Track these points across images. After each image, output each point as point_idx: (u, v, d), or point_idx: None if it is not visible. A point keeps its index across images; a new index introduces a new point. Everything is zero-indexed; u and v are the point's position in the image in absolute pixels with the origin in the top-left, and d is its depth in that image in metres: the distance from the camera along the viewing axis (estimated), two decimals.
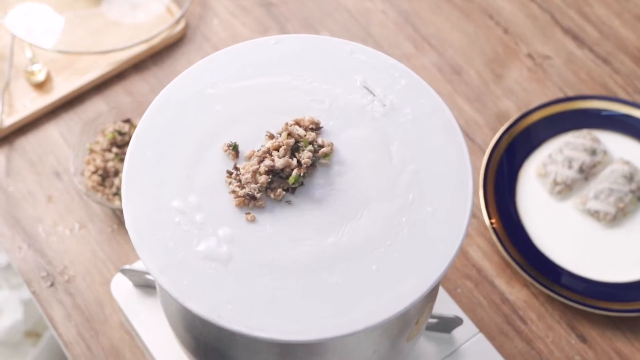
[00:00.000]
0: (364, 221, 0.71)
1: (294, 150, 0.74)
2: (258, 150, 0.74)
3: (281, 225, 0.71)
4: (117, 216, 1.12)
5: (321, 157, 0.74)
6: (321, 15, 1.30)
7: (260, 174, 0.72)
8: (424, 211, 0.72)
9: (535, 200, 1.13)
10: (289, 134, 0.74)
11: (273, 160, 0.73)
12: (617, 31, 1.29)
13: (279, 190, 0.72)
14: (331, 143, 0.74)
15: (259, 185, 0.72)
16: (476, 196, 1.12)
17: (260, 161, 0.73)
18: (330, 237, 0.71)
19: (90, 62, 1.23)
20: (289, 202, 0.72)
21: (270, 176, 0.73)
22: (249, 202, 0.72)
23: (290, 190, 0.73)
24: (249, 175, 0.72)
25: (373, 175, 0.73)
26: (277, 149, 0.74)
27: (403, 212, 0.72)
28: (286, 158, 0.73)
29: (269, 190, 0.73)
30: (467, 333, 1.01)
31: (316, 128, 0.75)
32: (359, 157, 0.74)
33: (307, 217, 0.72)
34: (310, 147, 0.74)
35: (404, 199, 0.72)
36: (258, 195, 0.72)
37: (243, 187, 0.72)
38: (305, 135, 0.74)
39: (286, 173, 0.73)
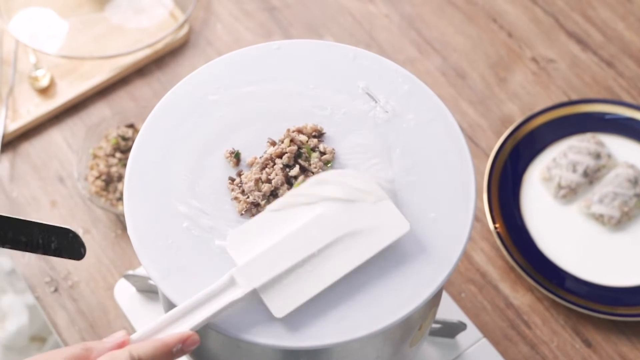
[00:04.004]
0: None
1: (296, 156, 0.74)
2: (260, 157, 0.74)
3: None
4: (121, 221, 1.12)
5: (323, 164, 0.74)
6: (325, 20, 1.30)
7: (263, 182, 0.72)
8: (426, 217, 0.72)
9: (540, 204, 1.12)
10: (291, 141, 0.74)
11: (270, 181, 0.73)
12: (621, 34, 1.29)
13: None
14: (333, 150, 0.74)
15: (262, 193, 0.72)
16: (480, 200, 1.12)
17: (262, 168, 0.73)
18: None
19: (94, 67, 1.23)
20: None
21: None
22: (252, 209, 0.72)
23: None
24: (251, 184, 0.72)
25: (375, 181, 0.73)
26: (279, 156, 0.74)
27: (405, 218, 0.72)
28: (280, 176, 0.73)
29: (271, 197, 0.72)
30: (471, 338, 1.00)
31: (318, 135, 0.75)
32: (361, 163, 0.74)
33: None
34: (315, 154, 0.74)
35: (407, 204, 0.72)
36: (262, 203, 0.72)
37: (246, 194, 0.72)
38: (307, 142, 0.74)
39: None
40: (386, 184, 0.73)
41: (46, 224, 0.71)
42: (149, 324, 0.66)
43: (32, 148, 1.18)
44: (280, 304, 0.67)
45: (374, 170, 0.74)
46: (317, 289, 0.67)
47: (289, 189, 0.72)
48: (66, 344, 1.04)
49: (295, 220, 0.69)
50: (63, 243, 0.72)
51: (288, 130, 0.75)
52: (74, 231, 0.72)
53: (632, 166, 1.13)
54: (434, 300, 0.81)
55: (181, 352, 0.65)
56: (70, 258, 0.73)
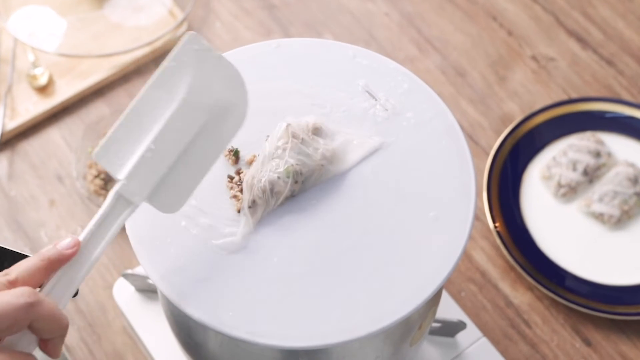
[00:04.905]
0: (366, 226, 0.71)
1: (297, 150, 0.74)
2: (259, 155, 0.74)
3: (282, 230, 0.71)
4: None
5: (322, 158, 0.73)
6: (324, 18, 1.30)
7: (261, 181, 0.72)
8: (426, 216, 0.71)
9: (540, 203, 1.12)
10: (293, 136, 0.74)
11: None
12: (621, 32, 1.28)
13: (281, 195, 0.72)
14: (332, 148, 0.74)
15: (260, 190, 0.72)
16: (480, 199, 1.12)
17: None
18: (332, 242, 0.70)
19: (93, 66, 1.23)
20: (290, 207, 0.72)
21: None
22: (251, 207, 0.71)
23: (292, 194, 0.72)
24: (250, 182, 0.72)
25: (374, 180, 0.73)
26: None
27: (405, 217, 0.71)
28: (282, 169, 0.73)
29: (271, 195, 0.72)
30: (471, 337, 1.00)
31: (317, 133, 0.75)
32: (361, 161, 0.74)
33: (308, 222, 0.71)
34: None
35: (406, 203, 0.72)
36: (260, 202, 0.71)
37: (244, 192, 0.72)
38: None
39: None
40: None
41: None
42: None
43: (30, 147, 1.18)
44: (170, 203, 0.67)
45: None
46: (200, 178, 0.67)
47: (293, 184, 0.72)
48: (65, 344, 1.04)
49: (157, 114, 0.67)
50: None
51: (287, 124, 0.74)
52: None
53: (632, 165, 1.12)
54: (434, 300, 0.81)
55: (60, 257, 0.63)
56: None
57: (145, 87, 0.67)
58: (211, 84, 0.68)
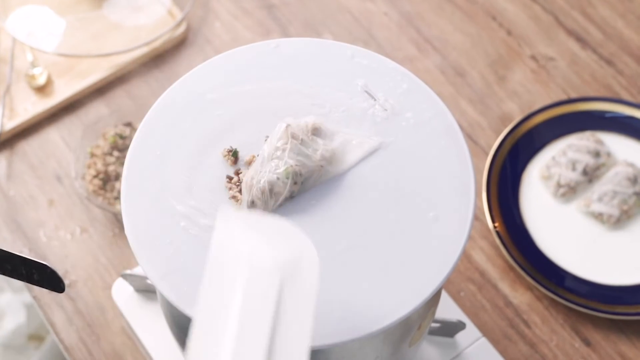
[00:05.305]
0: (366, 226, 0.71)
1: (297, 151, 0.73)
2: (258, 155, 0.73)
3: None
4: (119, 220, 1.11)
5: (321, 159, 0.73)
6: (323, 18, 1.29)
7: (260, 182, 0.72)
8: (426, 216, 0.71)
9: (539, 203, 1.12)
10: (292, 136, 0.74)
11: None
12: (620, 32, 1.28)
13: (280, 196, 0.72)
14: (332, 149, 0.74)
15: (259, 191, 0.71)
16: (479, 199, 1.12)
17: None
18: (331, 243, 0.70)
19: (92, 65, 1.22)
20: (290, 208, 0.72)
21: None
22: (250, 208, 0.71)
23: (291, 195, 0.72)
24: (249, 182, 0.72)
25: (374, 181, 0.73)
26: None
27: (405, 218, 0.71)
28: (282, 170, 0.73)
29: (270, 196, 0.72)
30: (471, 337, 1.00)
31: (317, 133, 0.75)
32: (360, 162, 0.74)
33: (307, 223, 0.71)
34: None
35: (406, 204, 0.72)
36: (259, 203, 0.71)
37: (243, 193, 0.72)
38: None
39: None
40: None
41: (26, 257, 0.74)
42: None
43: (29, 147, 1.18)
44: None
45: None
46: (305, 348, 0.58)
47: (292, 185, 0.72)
48: (64, 344, 1.04)
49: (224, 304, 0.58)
50: (43, 276, 0.74)
51: (287, 125, 0.74)
52: (51, 268, 0.74)
53: (631, 164, 1.12)
54: (433, 300, 0.81)
55: None
56: (52, 290, 0.75)
57: (203, 278, 0.59)
58: (264, 245, 0.61)
